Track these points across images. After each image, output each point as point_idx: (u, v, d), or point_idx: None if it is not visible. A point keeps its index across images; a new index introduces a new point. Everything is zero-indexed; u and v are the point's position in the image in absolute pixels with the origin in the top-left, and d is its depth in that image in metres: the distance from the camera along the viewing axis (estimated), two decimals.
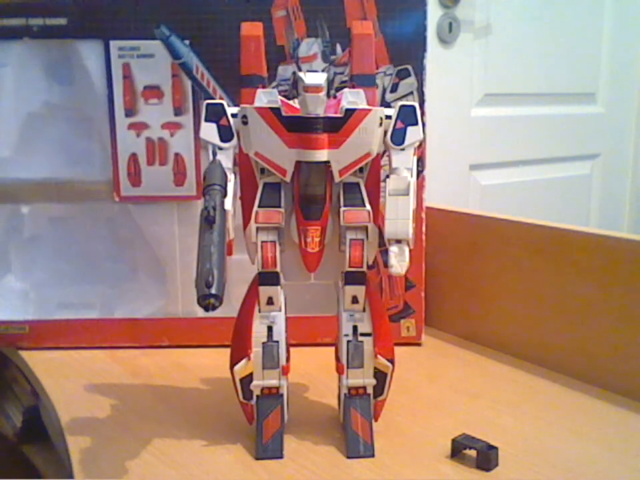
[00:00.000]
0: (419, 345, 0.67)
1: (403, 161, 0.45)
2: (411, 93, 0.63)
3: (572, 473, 0.44)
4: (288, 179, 0.45)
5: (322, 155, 0.44)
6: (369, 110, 0.45)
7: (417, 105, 0.46)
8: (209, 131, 0.46)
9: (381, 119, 0.45)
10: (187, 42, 0.63)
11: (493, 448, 0.45)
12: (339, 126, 0.44)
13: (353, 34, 0.48)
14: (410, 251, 0.44)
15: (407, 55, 0.63)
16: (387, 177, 0.45)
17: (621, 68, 1.62)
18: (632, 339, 0.55)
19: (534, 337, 0.63)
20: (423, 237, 0.66)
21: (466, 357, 0.65)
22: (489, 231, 0.66)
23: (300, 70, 0.62)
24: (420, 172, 0.64)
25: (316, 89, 0.43)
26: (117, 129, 0.64)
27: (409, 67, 0.63)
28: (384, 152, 0.47)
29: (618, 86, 1.63)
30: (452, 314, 0.71)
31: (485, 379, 0.60)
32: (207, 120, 0.46)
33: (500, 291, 0.66)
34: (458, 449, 0.46)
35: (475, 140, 1.43)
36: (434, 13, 1.33)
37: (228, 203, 0.43)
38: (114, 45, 0.63)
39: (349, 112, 0.44)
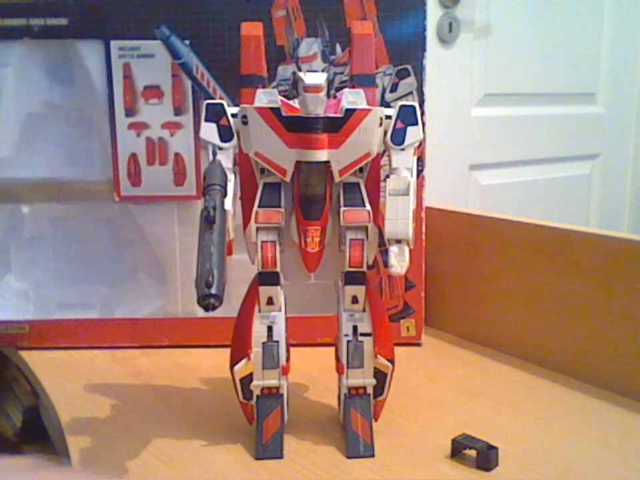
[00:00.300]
0: (418, 345, 0.67)
1: (403, 160, 0.45)
2: (411, 92, 0.63)
3: (572, 473, 0.44)
4: (288, 179, 0.45)
5: (322, 155, 0.44)
6: (369, 110, 0.45)
7: (416, 104, 0.46)
8: (209, 131, 0.46)
9: (381, 118, 0.45)
10: (187, 42, 0.63)
11: (492, 448, 0.45)
12: (339, 126, 0.44)
13: (353, 34, 0.48)
14: (410, 251, 0.44)
15: (407, 54, 0.63)
16: (387, 176, 0.45)
17: (621, 68, 1.62)
18: (632, 339, 0.55)
19: (534, 337, 0.63)
20: (423, 236, 0.66)
21: (466, 357, 0.65)
22: (489, 231, 0.66)
23: (300, 70, 0.62)
24: (420, 172, 0.64)
25: (316, 89, 0.43)
26: (117, 129, 0.64)
27: (409, 67, 0.63)
28: (384, 152, 0.47)
29: (618, 86, 1.63)
30: (452, 314, 0.71)
31: (485, 379, 0.60)
32: (206, 120, 0.46)
33: (500, 290, 0.66)
34: (458, 449, 0.46)
35: (475, 140, 1.43)
36: (434, 13, 1.33)
37: (228, 203, 0.43)
38: (114, 44, 0.63)
39: (349, 112, 0.44)
